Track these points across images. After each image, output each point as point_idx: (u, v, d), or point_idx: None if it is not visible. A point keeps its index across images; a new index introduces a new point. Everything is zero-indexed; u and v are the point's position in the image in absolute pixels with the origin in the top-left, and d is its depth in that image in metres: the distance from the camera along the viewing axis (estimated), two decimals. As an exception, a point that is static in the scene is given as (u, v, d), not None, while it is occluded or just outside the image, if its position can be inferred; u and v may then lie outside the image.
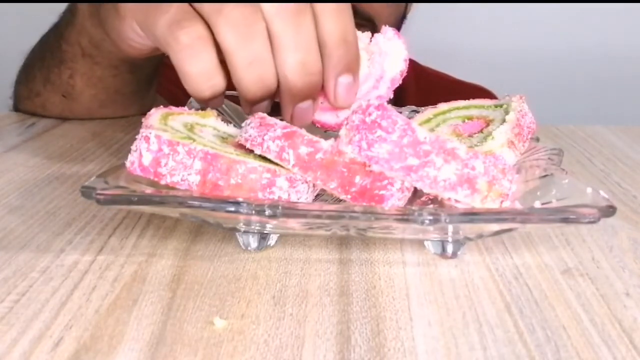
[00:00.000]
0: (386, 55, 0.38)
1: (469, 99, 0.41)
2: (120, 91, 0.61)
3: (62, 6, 0.60)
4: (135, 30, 0.40)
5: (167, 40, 0.35)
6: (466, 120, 0.39)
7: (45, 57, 0.61)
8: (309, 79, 0.35)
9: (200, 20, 0.34)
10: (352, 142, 0.30)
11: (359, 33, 0.38)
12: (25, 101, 0.64)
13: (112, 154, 0.52)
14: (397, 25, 0.83)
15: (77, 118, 0.62)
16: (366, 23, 0.76)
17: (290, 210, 0.29)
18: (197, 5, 0.35)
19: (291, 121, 0.36)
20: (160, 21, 0.35)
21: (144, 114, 0.34)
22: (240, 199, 0.29)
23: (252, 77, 0.35)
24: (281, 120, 0.33)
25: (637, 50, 1.33)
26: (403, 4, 0.81)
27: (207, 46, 0.34)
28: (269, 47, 0.34)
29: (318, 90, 0.36)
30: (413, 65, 0.90)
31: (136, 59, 0.51)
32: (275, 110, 0.39)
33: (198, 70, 0.34)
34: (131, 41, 0.42)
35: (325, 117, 0.38)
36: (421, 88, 0.88)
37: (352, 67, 0.36)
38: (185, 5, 0.35)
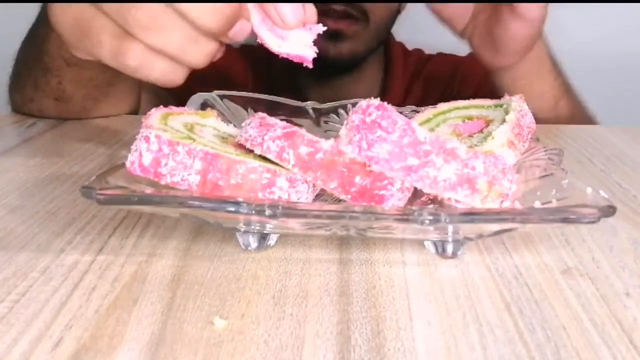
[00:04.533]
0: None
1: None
2: (111, 83, 0.61)
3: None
4: None
5: (122, 69, 0.37)
6: (466, 120, 0.39)
7: (30, 66, 0.61)
8: None
9: (131, 37, 0.35)
10: (352, 142, 0.30)
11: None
12: (22, 107, 0.64)
13: (112, 154, 0.52)
14: (392, 18, 0.84)
15: (76, 118, 0.62)
16: (361, 16, 0.78)
17: (290, 210, 0.29)
18: (114, 15, 0.35)
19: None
20: (104, 55, 0.37)
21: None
22: (240, 199, 0.29)
23: (216, 17, 0.34)
24: (281, 120, 0.33)
25: (637, 50, 1.33)
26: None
27: (152, 55, 0.36)
28: None
29: None
30: (402, 49, 0.92)
31: None
32: (275, 109, 0.38)
33: (161, 73, 0.37)
34: None
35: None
36: (409, 67, 0.89)
37: None
38: (110, 26, 0.35)
